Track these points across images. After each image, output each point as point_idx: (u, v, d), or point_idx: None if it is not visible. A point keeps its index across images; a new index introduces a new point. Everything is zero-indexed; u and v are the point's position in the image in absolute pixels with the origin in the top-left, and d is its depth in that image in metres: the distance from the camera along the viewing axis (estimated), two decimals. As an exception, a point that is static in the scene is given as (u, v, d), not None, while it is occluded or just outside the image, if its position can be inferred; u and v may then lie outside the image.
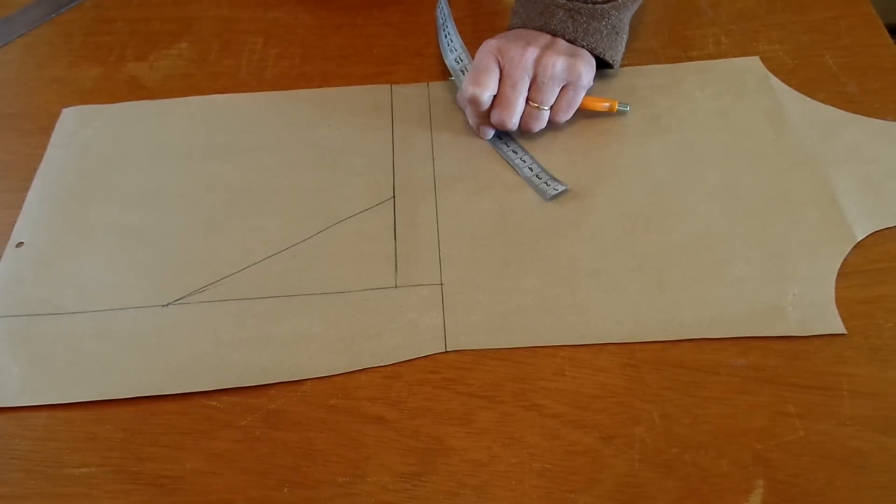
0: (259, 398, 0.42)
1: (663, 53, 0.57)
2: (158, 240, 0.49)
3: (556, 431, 0.40)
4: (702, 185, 0.49)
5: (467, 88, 0.50)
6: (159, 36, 0.62)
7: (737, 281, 0.44)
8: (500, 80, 0.50)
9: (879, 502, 0.37)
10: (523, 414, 0.40)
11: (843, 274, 0.44)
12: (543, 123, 0.52)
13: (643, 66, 0.57)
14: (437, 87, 0.57)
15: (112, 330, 0.45)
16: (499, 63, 0.50)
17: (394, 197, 0.50)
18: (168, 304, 0.46)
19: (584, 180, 0.50)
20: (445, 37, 0.56)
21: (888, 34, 0.57)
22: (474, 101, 0.50)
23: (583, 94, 0.51)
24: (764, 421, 0.39)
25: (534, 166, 0.51)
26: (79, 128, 0.56)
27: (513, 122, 0.50)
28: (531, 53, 0.49)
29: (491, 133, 0.53)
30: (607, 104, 0.53)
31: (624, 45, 0.54)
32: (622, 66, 0.56)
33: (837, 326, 0.42)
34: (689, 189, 0.49)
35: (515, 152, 0.52)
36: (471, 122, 0.53)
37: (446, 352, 0.43)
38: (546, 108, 0.51)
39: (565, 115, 0.52)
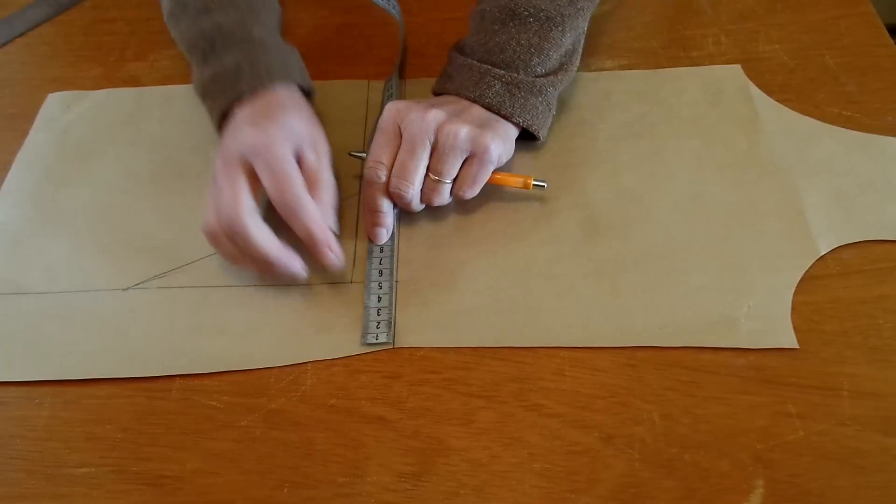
0: (259, 398, 0.42)
1: (664, 53, 0.57)
2: (125, 224, 0.50)
3: (556, 431, 0.40)
4: (667, 192, 0.49)
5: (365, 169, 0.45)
6: (159, 36, 0.62)
7: (692, 290, 0.44)
8: (400, 147, 0.45)
9: (879, 502, 0.37)
10: (523, 414, 0.40)
11: (843, 273, 0.44)
12: (445, 199, 0.46)
13: (622, 72, 0.56)
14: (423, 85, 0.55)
15: (73, 312, 0.46)
16: (399, 128, 0.45)
17: (359, 193, 0.50)
18: (127, 288, 0.47)
19: (549, 183, 0.49)
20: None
21: (888, 34, 0.57)
22: (368, 182, 0.45)
23: (490, 168, 0.46)
24: (764, 421, 0.39)
25: (384, 298, 0.45)
26: (60, 112, 0.57)
27: (411, 194, 0.45)
28: (433, 117, 0.44)
29: (386, 232, 0.47)
30: (521, 180, 0.48)
31: (551, 120, 0.50)
32: (600, 70, 0.56)
33: (790, 341, 0.41)
34: (654, 196, 0.49)
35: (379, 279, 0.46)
36: (366, 206, 0.47)
37: (394, 348, 0.43)
38: (447, 181, 0.45)
39: (470, 192, 0.46)
